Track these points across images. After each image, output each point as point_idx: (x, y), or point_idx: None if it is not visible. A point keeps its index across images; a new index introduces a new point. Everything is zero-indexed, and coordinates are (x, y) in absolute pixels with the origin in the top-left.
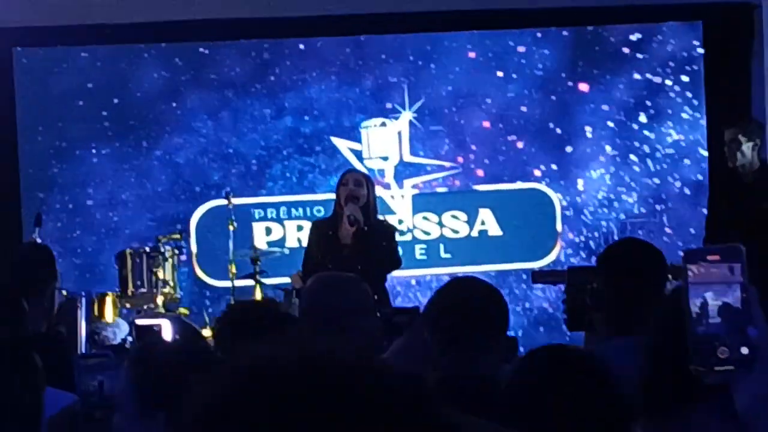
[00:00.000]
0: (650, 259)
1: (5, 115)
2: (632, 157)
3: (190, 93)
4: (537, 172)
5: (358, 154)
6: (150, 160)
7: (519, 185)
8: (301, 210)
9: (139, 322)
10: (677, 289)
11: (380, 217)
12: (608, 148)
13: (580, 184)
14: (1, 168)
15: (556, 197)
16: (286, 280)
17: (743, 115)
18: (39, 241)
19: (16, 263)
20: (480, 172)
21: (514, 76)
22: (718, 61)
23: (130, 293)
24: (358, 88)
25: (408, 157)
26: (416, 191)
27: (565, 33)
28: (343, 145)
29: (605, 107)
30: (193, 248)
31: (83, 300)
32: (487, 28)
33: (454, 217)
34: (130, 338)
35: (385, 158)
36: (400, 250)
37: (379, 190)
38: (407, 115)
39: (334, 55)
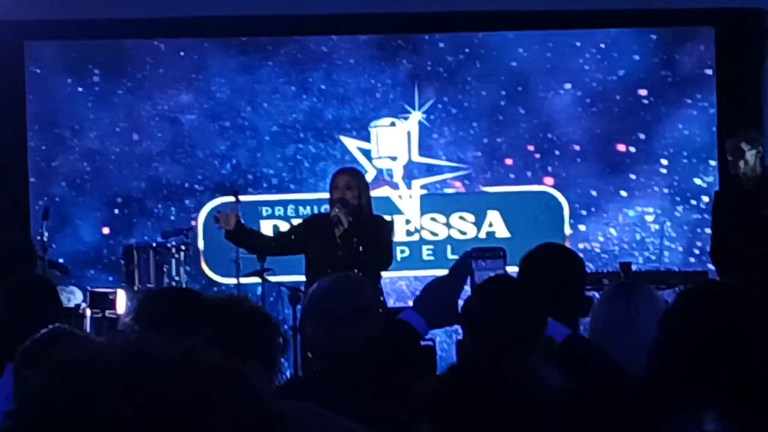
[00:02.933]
0: (568, 263)
1: (17, 107)
2: (693, 201)
3: (208, 50)
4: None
5: (367, 153)
6: (151, 114)
7: (527, 188)
8: (308, 208)
9: (94, 289)
10: (683, 293)
11: (386, 216)
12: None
13: (620, 218)
14: (11, 159)
15: (564, 200)
16: (293, 278)
17: (746, 123)
18: (47, 235)
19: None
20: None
21: (567, 86)
22: (729, 66)
23: (136, 288)
24: (391, 81)
25: (417, 158)
26: (424, 192)
27: (634, 49)
28: (352, 144)
29: (673, 131)
30: (200, 245)
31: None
32: (535, 29)
33: (461, 218)
34: (83, 304)
35: (394, 158)
36: (407, 250)
37: (387, 191)
38: (416, 116)
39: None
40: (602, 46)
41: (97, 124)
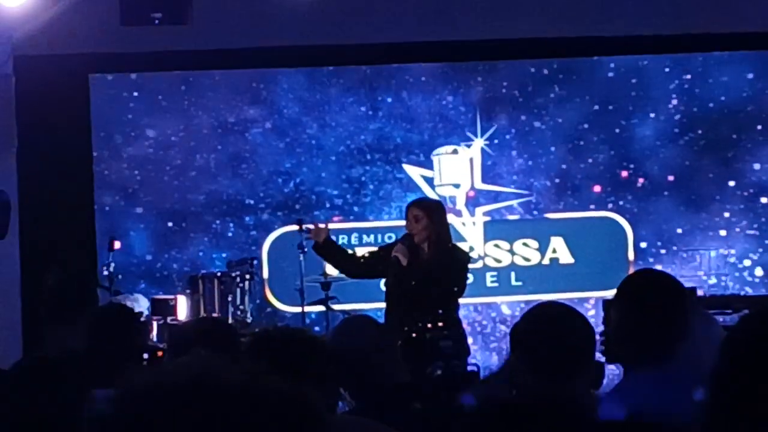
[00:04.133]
0: (668, 288)
1: (82, 138)
2: None
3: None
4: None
5: (430, 181)
6: (214, 127)
7: (590, 213)
8: (372, 236)
9: (155, 296)
10: (745, 317)
11: (459, 245)
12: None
13: (698, 259)
14: (78, 188)
15: (627, 225)
16: (356, 306)
17: None
18: (113, 265)
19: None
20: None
21: (653, 115)
22: None
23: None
24: (463, 106)
25: (480, 185)
26: (488, 218)
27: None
28: (415, 172)
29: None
30: (265, 274)
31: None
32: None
33: (525, 244)
34: (146, 312)
35: (457, 185)
36: (471, 277)
37: (450, 218)
38: (479, 143)
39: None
40: (687, 76)
41: (156, 133)
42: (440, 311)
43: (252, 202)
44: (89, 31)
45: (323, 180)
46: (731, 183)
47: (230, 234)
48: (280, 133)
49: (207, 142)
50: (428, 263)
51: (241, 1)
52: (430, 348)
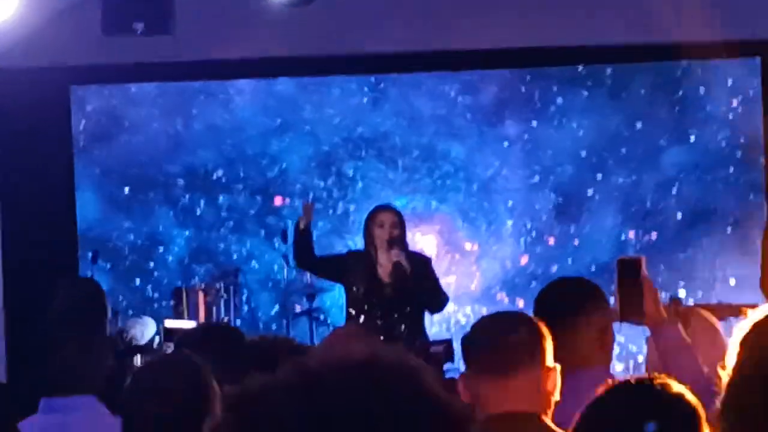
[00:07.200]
0: (585, 296)
1: (63, 151)
2: None
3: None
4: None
5: None
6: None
7: None
8: None
9: (169, 324)
10: (762, 320)
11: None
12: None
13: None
14: (59, 203)
15: None
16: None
17: None
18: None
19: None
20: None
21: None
22: None
23: None
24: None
25: None
26: None
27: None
28: None
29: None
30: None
31: None
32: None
33: None
34: (157, 338)
35: None
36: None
37: None
38: None
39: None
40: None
41: (133, 95)
42: (412, 320)
43: (230, 182)
44: (71, 42)
45: (312, 170)
46: None
47: (198, 211)
48: (271, 112)
49: (188, 110)
50: (409, 272)
51: (225, 12)
52: (420, 355)
